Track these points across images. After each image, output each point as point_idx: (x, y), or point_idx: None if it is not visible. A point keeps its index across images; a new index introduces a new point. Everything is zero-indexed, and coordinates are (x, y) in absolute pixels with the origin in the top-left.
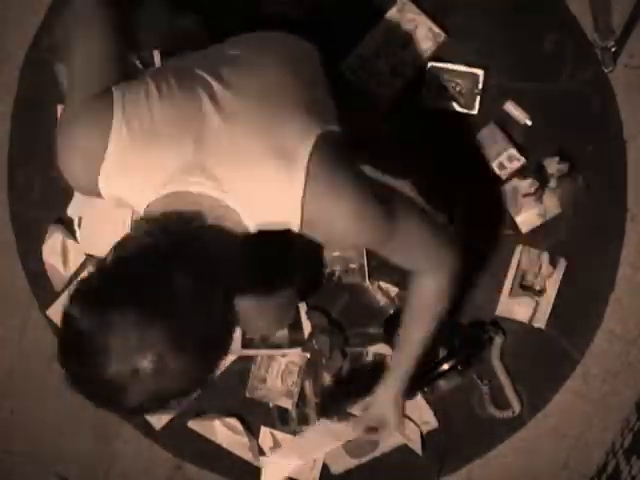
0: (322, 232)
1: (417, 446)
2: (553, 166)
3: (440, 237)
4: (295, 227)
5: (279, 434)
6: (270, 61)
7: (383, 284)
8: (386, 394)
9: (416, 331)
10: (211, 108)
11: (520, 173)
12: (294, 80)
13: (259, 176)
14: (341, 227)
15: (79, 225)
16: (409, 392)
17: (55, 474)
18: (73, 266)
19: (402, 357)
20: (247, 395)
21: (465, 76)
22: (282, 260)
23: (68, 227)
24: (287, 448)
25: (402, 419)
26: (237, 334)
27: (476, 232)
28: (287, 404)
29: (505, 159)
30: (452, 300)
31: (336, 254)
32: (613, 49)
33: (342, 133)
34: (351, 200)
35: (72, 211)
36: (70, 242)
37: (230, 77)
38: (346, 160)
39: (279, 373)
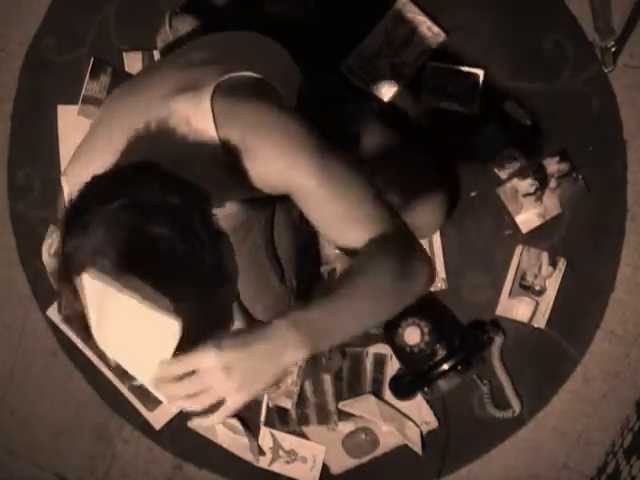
0: (249, 159)
1: (417, 446)
2: (553, 166)
3: (380, 207)
4: (221, 155)
5: (279, 434)
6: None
7: None
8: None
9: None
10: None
11: (520, 173)
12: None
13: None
14: (264, 151)
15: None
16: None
17: (55, 474)
18: None
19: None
20: None
21: (465, 76)
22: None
23: None
24: None
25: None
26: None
27: (476, 232)
28: (287, 404)
29: (505, 159)
30: (415, 296)
31: (336, 252)
32: (613, 49)
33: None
34: (270, 127)
35: None
36: None
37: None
38: (261, 94)
39: None
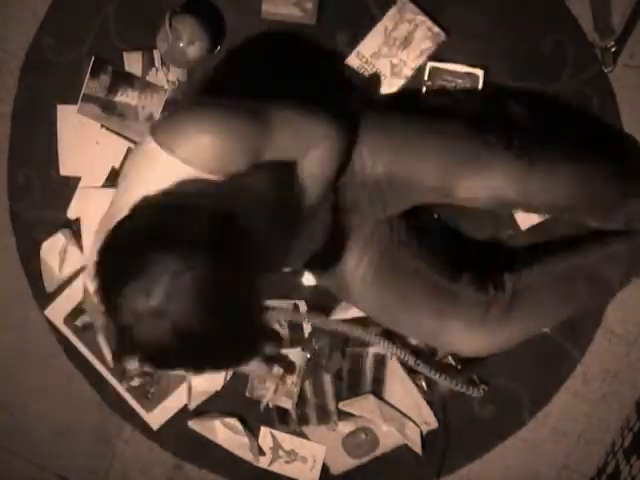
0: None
1: (417, 446)
2: None
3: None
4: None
5: (279, 434)
6: None
7: None
8: None
9: None
10: None
11: None
12: None
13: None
14: (213, 149)
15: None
16: None
17: (55, 474)
18: (68, 271)
19: None
20: (247, 395)
21: (465, 76)
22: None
23: (72, 230)
24: None
25: None
26: None
27: (476, 232)
28: (287, 404)
29: None
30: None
31: None
32: (613, 49)
33: None
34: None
35: (72, 212)
36: (72, 248)
37: None
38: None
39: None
